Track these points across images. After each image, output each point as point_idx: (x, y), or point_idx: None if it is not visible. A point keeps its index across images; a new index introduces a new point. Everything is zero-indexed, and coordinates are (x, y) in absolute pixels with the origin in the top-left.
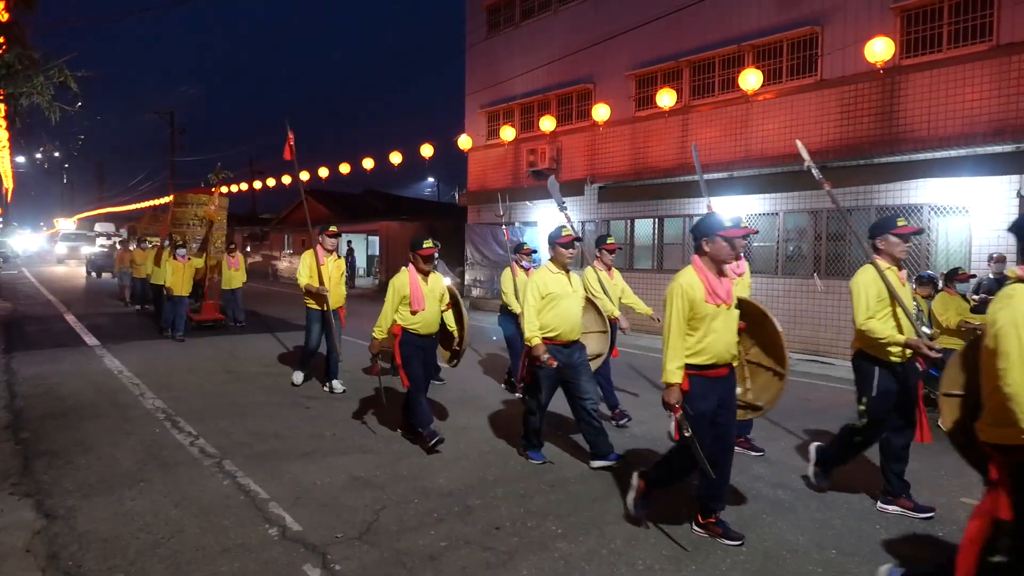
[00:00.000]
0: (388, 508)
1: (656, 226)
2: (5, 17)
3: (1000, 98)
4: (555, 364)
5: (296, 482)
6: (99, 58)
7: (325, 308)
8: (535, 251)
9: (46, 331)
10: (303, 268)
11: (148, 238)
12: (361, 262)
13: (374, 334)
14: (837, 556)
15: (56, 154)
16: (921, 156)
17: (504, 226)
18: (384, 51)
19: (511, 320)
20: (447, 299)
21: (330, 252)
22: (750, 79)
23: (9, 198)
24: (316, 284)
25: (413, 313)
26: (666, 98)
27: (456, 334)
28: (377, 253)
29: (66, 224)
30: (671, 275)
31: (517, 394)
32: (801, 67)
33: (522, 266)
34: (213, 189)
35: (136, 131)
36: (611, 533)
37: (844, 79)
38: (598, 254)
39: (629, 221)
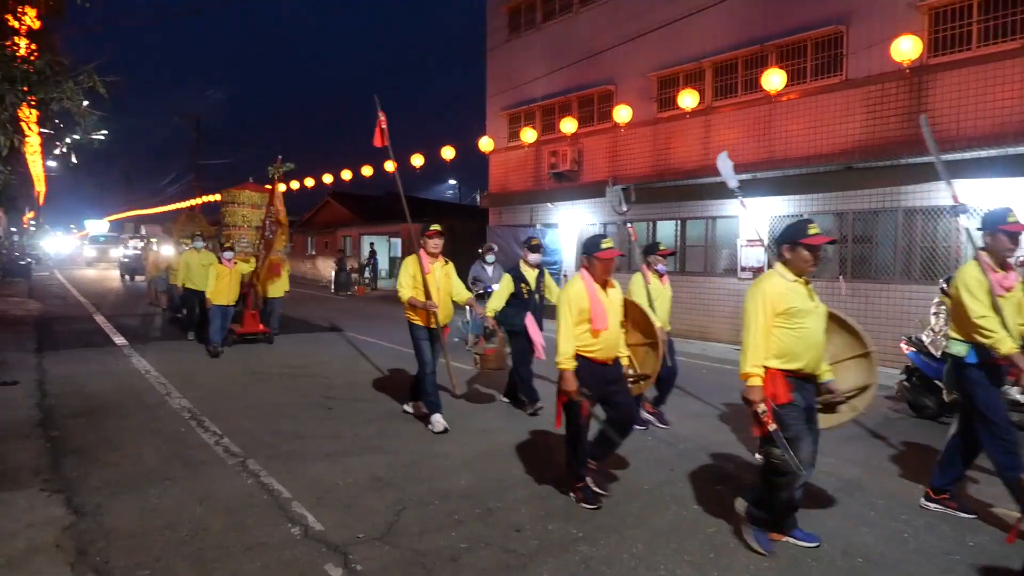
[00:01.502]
0: (409, 509)
1: (679, 228)
2: (37, 25)
3: None
4: (776, 427)
5: (318, 482)
6: (128, 63)
7: (433, 325)
8: (673, 252)
9: (76, 331)
10: (404, 278)
11: (184, 240)
12: (384, 264)
13: (563, 365)
14: (863, 564)
15: (73, 155)
16: (950, 157)
17: (628, 224)
18: (405, 54)
19: None
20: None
21: (435, 256)
22: (773, 79)
23: (41, 201)
24: (422, 298)
25: (595, 334)
26: (688, 99)
27: (631, 360)
28: (400, 255)
29: (96, 226)
30: (693, 277)
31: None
32: (826, 67)
33: (657, 270)
34: (270, 186)
35: (165, 134)
36: (632, 537)
37: (870, 79)
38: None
39: (651, 223)
